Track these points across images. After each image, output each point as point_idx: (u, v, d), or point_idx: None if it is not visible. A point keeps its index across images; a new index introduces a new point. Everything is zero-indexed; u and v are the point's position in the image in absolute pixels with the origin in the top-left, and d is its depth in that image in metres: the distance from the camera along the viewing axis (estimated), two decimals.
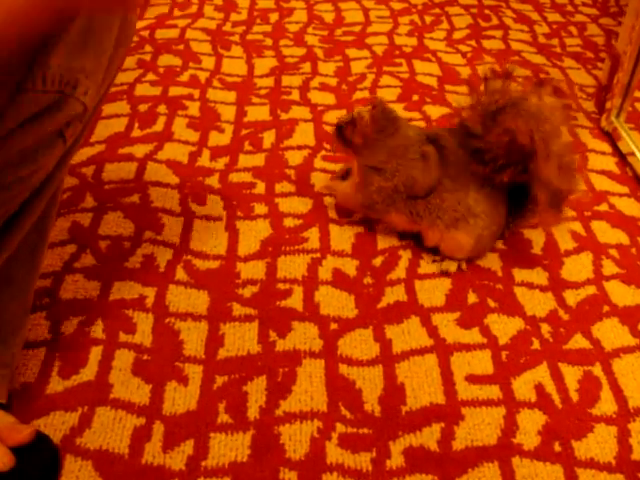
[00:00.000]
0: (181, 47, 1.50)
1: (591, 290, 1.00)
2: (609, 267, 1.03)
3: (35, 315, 0.90)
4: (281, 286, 0.96)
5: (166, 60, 1.45)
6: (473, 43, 1.58)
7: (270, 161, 1.17)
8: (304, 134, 1.24)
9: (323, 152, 1.20)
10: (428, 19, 1.68)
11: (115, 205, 1.08)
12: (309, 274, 0.98)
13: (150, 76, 1.39)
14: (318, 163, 1.17)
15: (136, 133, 1.23)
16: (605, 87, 1.38)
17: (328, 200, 1.10)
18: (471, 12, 1.75)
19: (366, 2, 1.75)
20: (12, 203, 0.68)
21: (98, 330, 0.89)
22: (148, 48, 1.49)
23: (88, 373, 0.84)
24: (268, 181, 1.13)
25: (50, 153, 0.68)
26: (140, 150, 1.19)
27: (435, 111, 1.32)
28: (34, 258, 0.78)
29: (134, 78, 1.38)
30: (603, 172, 1.22)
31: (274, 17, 1.65)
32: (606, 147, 1.29)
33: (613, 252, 1.06)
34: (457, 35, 1.62)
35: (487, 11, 1.77)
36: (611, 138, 1.31)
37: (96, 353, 0.87)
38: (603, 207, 1.15)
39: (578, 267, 1.04)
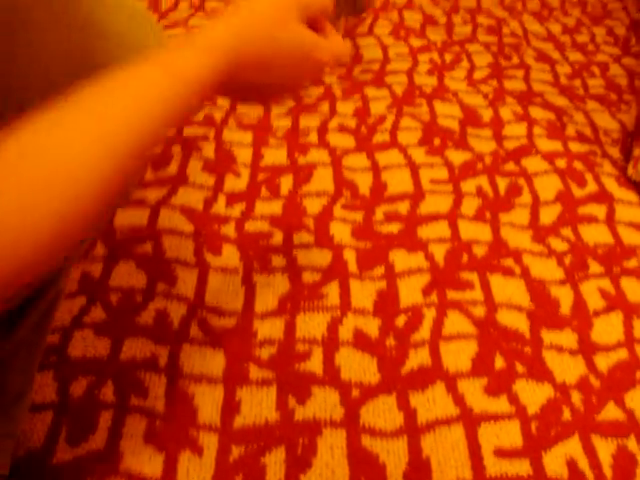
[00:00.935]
0: None
1: (623, 354, 0.96)
2: None
3: (42, 374, 0.86)
4: (300, 347, 0.92)
5: None
6: (494, 83, 1.54)
7: (288, 209, 1.13)
8: (323, 180, 1.20)
9: (343, 200, 1.15)
10: (448, 57, 1.65)
11: (127, 254, 1.04)
12: (329, 334, 0.94)
13: None
14: (338, 212, 1.13)
15: (149, 176, 1.19)
16: (631, 133, 1.34)
17: (348, 253, 1.06)
18: (491, 50, 1.71)
19: (385, 38, 1.71)
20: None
21: (108, 392, 0.85)
22: None
23: (97, 440, 0.80)
24: (286, 231, 1.09)
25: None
26: (153, 194, 1.15)
27: (457, 157, 1.28)
28: (39, 337, 0.74)
29: None
30: (631, 224, 1.18)
31: None
32: (633, 197, 1.25)
33: None
34: (478, 74, 1.58)
35: (507, 49, 1.73)
36: (639, 187, 1.27)
37: (106, 418, 0.82)
38: (633, 263, 1.11)
39: (608, 328, 0.99)
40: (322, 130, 1.33)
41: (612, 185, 1.27)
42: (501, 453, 0.82)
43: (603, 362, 0.94)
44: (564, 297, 1.03)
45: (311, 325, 0.95)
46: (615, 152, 1.36)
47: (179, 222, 1.10)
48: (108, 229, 1.09)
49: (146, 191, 1.17)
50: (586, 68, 1.69)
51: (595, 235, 1.15)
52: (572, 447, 0.84)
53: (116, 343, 0.92)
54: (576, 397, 0.89)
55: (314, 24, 0.63)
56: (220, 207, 1.14)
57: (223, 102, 1.41)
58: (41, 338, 0.76)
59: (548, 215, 1.17)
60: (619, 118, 1.48)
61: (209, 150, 1.26)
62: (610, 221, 1.18)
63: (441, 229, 1.12)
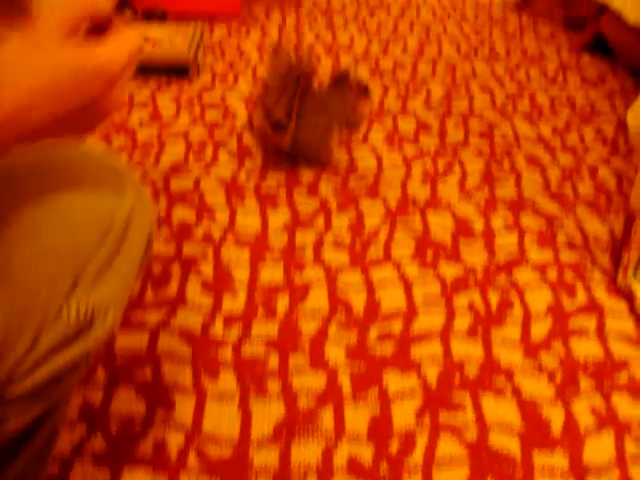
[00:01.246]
0: (195, 199, 1.51)
1: (614, 475, 0.97)
2: (632, 447, 1.00)
3: None
4: (295, 475, 0.94)
5: (180, 214, 1.46)
6: (486, 191, 1.59)
7: (284, 330, 1.16)
8: (318, 298, 1.23)
9: (337, 319, 1.19)
10: (441, 165, 1.70)
11: (127, 379, 1.07)
12: (323, 461, 0.96)
13: (164, 231, 1.40)
14: (332, 332, 1.16)
15: (149, 297, 1.23)
16: (620, 241, 1.38)
17: (342, 376, 1.08)
18: (483, 155, 1.76)
19: (379, 147, 1.77)
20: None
21: None
22: (162, 200, 1.50)
23: None
24: (282, 353, 1.12)
25: (72, 377, 0.68)
26: (153, 317, 1.18)
27: (449, 270, 1.32)
28: (39, 468, 0.77)
29: None
30: (621, 336, 1.21)
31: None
32: (623, 307, 1.28)
33: (636, 430, 1.03)
34: (470, 183, 1.62)
35: (499, 154, 1.78)
36: (629, 297, 1.30)
37: None
38: (623, 377, 1.13)
39: (600, 448, 1.01)
40: (317, 246, 1.37)
41: (602, 295, 1.30)
42: None
43: None
44: (555, 417, 1.05)
45: (306, 453, 0.97)
46: (605, 259, 1.40)
47: (178, 346, 1.13)
48: (109, 353, 1.12)
49: (146, 313, 1.20)
50: (576, 171, 1.74)
51: (586, 349, 1.18)
52: None
53: (115, 473, 0.94)
54: None
55: (99, 28, 0.58)
56: (218, 330, 1.17)
57: (222, 218, 1.45)
58: (41, 469, 0.78)
59: (539, 329, 1.20)
60: (609, 223, 1.52)
61: (208, 269, 1.30)
62: (600, 333, 1.21)
63: (434, 348, 1.15)
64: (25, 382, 0.63)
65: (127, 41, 0.57)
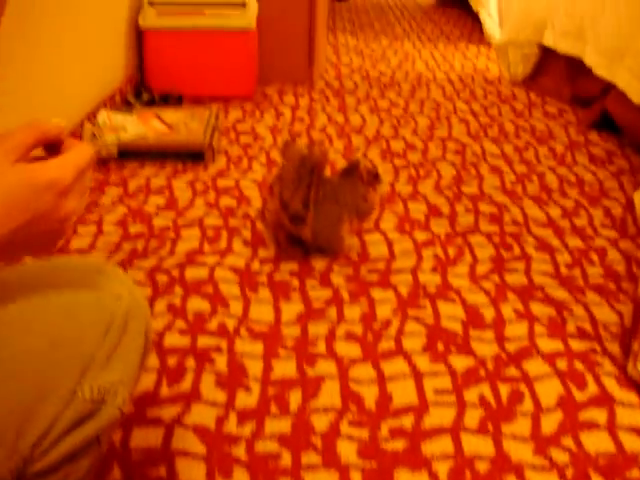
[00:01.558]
0: (210, 289, 1.54)
1: None
2: None
3: None
4: None
5: (195, 304, 1.49)
6: (496, 278, 1.61)
7: (296, 427, 1.18)
8: (330, 394, 1.25)
9: (349, 415, 1.20)
10: (451, 251, 1.73)
11: (142, 478, 1.08)
12: None
13: (179, 323, 1.43)
14: (344, 428, 1.18)
15: (164, 391, 1.25)
16: (629, 330, 1.39)
17: (354, 474, 1.09)
18: (493, 240, 1.79)
19: (390, 233, 1.80)
20: None
21: None
22: (178, 290, 1.54)
23: None
24: (294, 451, 1.13)
25: (87, 456, 0.73)
26: (168, 412, 1.21)
27: (460, 362, 1.34)
28: None
29: (164, 326, 1.42)
30: (632, 429, 1.21)
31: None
32: (634, 398, 1.28)
33: None
34: (480, 269, 1.65)
35: (509, 239, 1.81)
36: (638, 387, 1.31)
37: None
38: (635, 473, 1.14)
39: None
40: (330, 338, 1.40)
41: (613, 386, 1.31)
42: None
43: None
44: None
45: None
46: (615, 348, 1.41)
47: (192, 443, 1.15)
48: (124, 450, 1.14)
49: (161, 409, 1.22)
50: (585, 255, 1.76)
51: (596, 443, 1.18)
52: None
53: None
54: None
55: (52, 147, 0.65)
56: (231, 426, 1.19)
57: (236, 309, 1.48)
58: None
59: (549, 423, 1.21)
60: (618, 309, 1.54)
61: (222, 363, 1.33)
62: (611, 426, 1.22)
63: (445, 444, 1.16)
64: (43, 461, 0.68)
65: (76, 155, 0.64)
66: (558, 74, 3.06)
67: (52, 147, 0.67)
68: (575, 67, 2.84)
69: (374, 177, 1.68)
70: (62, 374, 0.70)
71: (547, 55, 3.10)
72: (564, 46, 2.85)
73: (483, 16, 3.97)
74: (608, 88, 2.55)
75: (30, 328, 0.70)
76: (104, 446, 0.77)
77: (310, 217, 1.59)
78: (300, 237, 1.64)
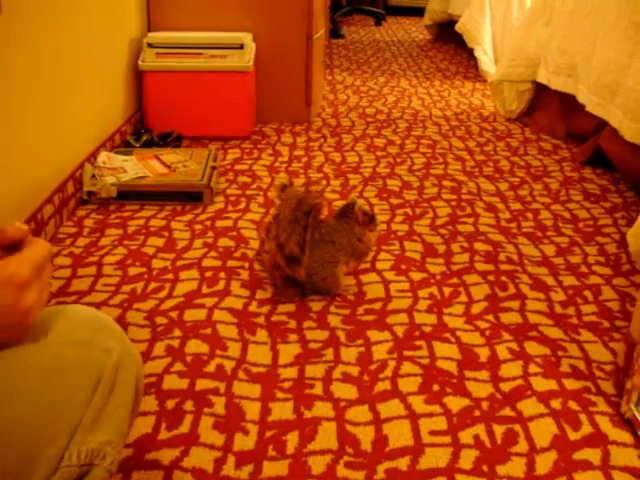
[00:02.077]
0: (208, 331, 1.56)
1: None
2: None
3: None
4: None
5: (194, 347, 1.51)
6: (491, 318, 1.64)
7: (293, 469, 1.19)
8: (327, 436, 1.27)
9: (346, 457, 1.22)
10: (447, 291, 1.75)
11: None
12: None
13: (178, 366, 1.45)
14: (341, 471, 1.19)
15: (163, 435, 1.27)
16: (622, 369, 1.41)
17: None
18: (488, 279, 1.82)
19: (387, 274, 1.82)
20: None
21: None
22: (177, 332, 1.55)
23: None
24: None
25: None
26: (167, 456, 1.22)
27: (455, 403, 1.35)
28: None
29: (162, 368, 1.44)
30: (626, 469, 1.22)
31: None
32: (627, 437, 1.30)
33: None
34: (475, 309, 1.67)
35: (504, 277, 1.83)
36: (632, 426, 1.32)
37: None
38: None
39: None
40: (326, 380, 1.42)
41: (606, 425, 1.32)
42: None
43: None
44: None
45: None
46: (609, 387, 1.43)
47: None
48: None
49: (160, 452, 1.24)
50: (579, 293, 1.78)
51: None
52: None
53: None
54: None
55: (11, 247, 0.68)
56: (229, 469, 1.20)
57: (234, 351, 1.50)
58: None
59: (543, 464, 1.22)
60: (612, 348, 1.55)
61: (220, 406, 1.35)
62: (605, 466, 1.23)
63: None
64: None
65: (33, 251, 0.68)
66: (552, 111, 3.11)
67: (12, 247, 0.70)
68: (569, 104, 2.88)
69: (370, 219, 1.70)
70: (48, 441, 0.70)
71: (541, 92, 3.15)
72: (557, 83, 2.90)
73: (478, 53, 4.04)
74: (602, 125, 2.58)
75: (13, 396, 0.69)
76: None
77: (305, 259, 1.62)
78: (296, 278, 1.66)
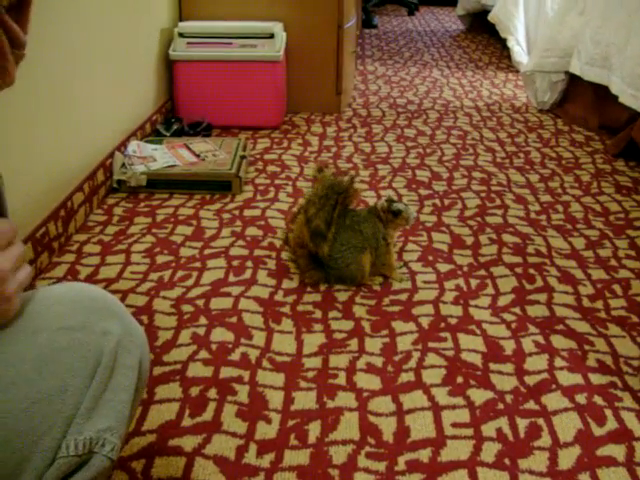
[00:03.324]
0: (234, 320, 1.57)
1: None
2: None
3: None
4: None
5: (219, 334, 1.51)
6: (518, 311, 1.62)
7: (314, 459, 1.20)
8: (349, 426, 1.27)
9: (367, 448, 1.22)
10: (473, 283, 1.74)
11: None
12: None
13: (203, 353, 1.45)
14: (362, 461, 1.19)
15: (186, 422, 1.28)
16: None
17: None
18: (516, 272, 1.80)
19: (413, 265, 1.82)
20: None
21: None
22: (202, 320, 1.56)
23: None
24: None
25: None
26: (189, 442, 1.23)
27: (479, 396, 1.35)
28: None
29: (187, 356, 1.45)
30: None
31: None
32: None
33: None
34: (502, 301, 1.66)
35: (532, 270, 1.82)
36: None
37: None
38: None
39: None
40: (350, 370, 1.42)
41: (632, 421, 1.31)
42: None
43: None
44: None
45: None
46: (636, 383, 1.41)
47: (212, 474, 1.18)
48: (146, 478, 1.17)
49: (182, 439, 1.25)
50: (608, 287, 1.77)
51: (614, 479, 1.18)
52: None
53: None
54: None
55: None
56: (251, 457, 1.21)
57: (259, 340, 1.51)
58: None
59: (566, 459, 1.22)
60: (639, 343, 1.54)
61: (243, 393, 1.35)
62: (629, 463, 1.22)
63: (461, 478, 1.17)
64: None
65: (11, 251, 0.69)
66: (585, 102, 3.07)
67: None
68: (602, 95, 2.85)
69: (393, 215, 1.70)
70: (43, 432, 0.69)
71: (575, 83, 3.11)
72: (590, 74, 2.86)
73: (511, 43, 3.99)
74: (635, 116, 2.55)
75: (7, 388, 0.69)
76: None
77: (330, 235, 1.63)
78: (319, 257, 1.66)
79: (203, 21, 2.90)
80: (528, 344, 1.52)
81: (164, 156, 2.32)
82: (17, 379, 0.70)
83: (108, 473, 0.77)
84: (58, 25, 1.86)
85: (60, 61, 1.89)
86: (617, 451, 1.24)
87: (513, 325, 1.58)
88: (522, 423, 1.30)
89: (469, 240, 1.99)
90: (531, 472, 1.19)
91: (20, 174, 1.69)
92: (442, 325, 1.58)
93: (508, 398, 1.36)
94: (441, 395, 1.36)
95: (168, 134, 2.64)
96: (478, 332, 1.56)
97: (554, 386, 1.40)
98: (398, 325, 1.57)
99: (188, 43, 2.78)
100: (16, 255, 0.70)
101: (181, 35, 2.78)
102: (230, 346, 1.50)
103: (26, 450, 0.68)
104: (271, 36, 2.76)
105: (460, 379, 1.41)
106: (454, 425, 1.29)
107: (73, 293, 0.80)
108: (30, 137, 1.74)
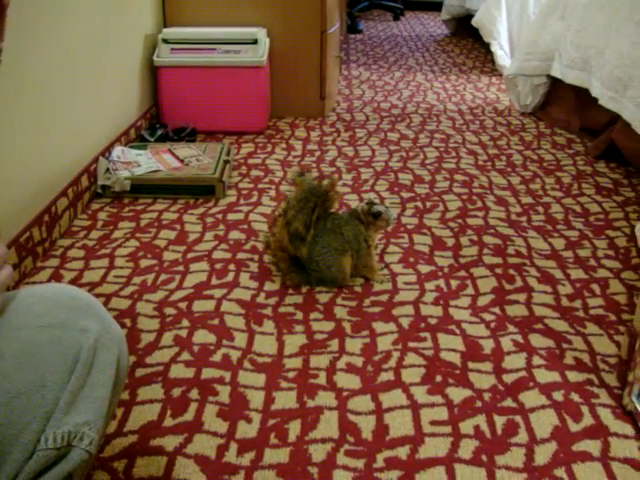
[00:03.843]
0: (216, 322, 1.58)
1: None
2: None
3: None
4: None
5: (201, 336, 1.53)
6: (497, 310, 1.64)
7: (294, 457, 1.21)
8: (328, 424, 1.28)
9: (346, 446, 1.23)
10: (454, 283, 1.76)
11: None
12: None
13: (185, 355, 1.47)
14: (341, 459, 1.21)
15: (168, 422, 1.29)
16: (625, 361, 1.41)
17: None
18: (496, 272, 1.82)
19: (394, 266, 1.84)
20: None
21: None
22: (185, 322, 1.58)
23: None
24: None
25: None
26: (171, 442, 1.24)
27: (457, 394, 1.36)
28: None
29: (170, 358, 1.46)
30: (626, 460, 1.23)
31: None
32: (629, 429, 1.30)
33: None
34: (481, 301, 1.68)
35: (511, 270, 1.84)
36: (633, 418, 1.33)
37: None
38: None
39: None
40: (330, 370, 1.43)
41: (607, 417, 1.33)
42: None
43: None
44: None
45: None
46: (612, 380, 1.43)
47: (193, 472, 1.19)
48: (127, 478, 1.18)
49: (164, 439, 1.26)
50: (586, 287, 1.79)
51: (589, 474, 1.21)
52: None
53: None
54: None
55: None
56: (231, 456, 1.22)
57: (241, 341, 1.52)
58: None
59: (543, 455, 1.23)
60: (617, 341, 1.56)
61: (224, 394, 1.37)
62: (604, 458, 1.24)
63: (438, 475, 1.19)
64: None
65: None
66: (567, 105, 3.10)
67: None
68: (583, 98, 2.88)
69: (373, 217, 1.72)
70: (22, 426, 0.71)
71: (556, 86, 3.14)
72: (571, 77, 2.90)
73: (494, 47, 4.03)
74: (615, 119, 2.58)
75: None
76: None
77: (309, 238, 1.65)
78: (299, 260, 1.68)
79: (187, 27, 2.92)
80: (507, 343, 1.54)
81: (148, 161, 2.34)
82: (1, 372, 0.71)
83: (87, 467, 0.79)
84: (41, 31, 1.88)
85: (43, 67, 1.90)
86: (593, 446, 1.26)
87: (492, 325, 1.60)
88: (500, 420, 1.31)
89: (450, 242, 2.01)
90: (508, 468, 1.20)
91: (4, 179, 1.70)
92: (422, 325, 1.60)
93: (486, 396, 1.37)
94: (420, 394, 1.38)
95: (152, 140, 2.65)
96: (457, 332, 1.57)
97: (532, 384, 1.41)
98: (378, 326, 1.59)
99: (172, 49, 2.80)
100: None
101: (165, 41, 2.80)
102: (212, 347, 1.51)
103: (5, 443, 0.70)
104: (254, 42, 2.78)
105: (439, 378, 1.42)
106: (432, 423, 1.30)
107: (54, 293, 0.83)
108: (14, 142, 1.75)
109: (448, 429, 1.29)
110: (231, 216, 2.16)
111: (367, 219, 1.71)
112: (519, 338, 1.56)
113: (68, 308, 0.80)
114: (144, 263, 1.87)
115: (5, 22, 0.73)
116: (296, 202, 1.66)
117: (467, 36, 5.27)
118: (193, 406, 1.34)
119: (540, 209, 2.26)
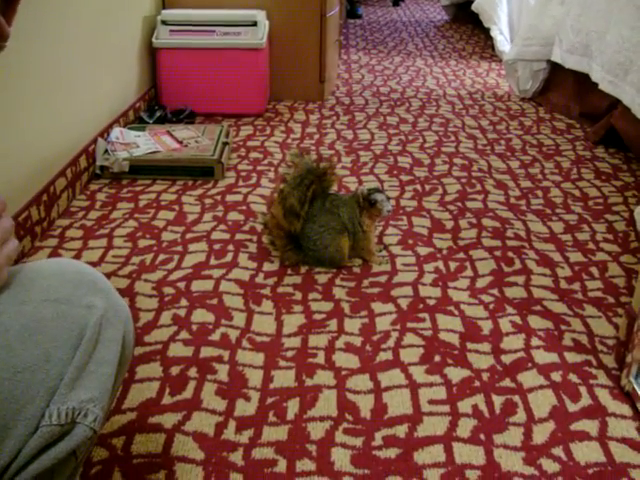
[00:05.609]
0: (215, 301, 1.58)
1: None
2: None
3: None
4: None
5: (200, 316, 1.53)
6: (496, 292, 1.64)
7: (292, 435, 1.21)
8: (327, 403, 1.28)
9: (345, 424, 1.24)
10: (452, 265, 1.76)
11: None
12: None
13: (184, 334, 1.47)
14: (339, 437, 1.21)
15: (167, 400, 1.29)
16: (623, 343, 1.42)
17: None
18: (494, 255, 1.82)
19: (393, 248, 1.84)
20: None
21: None
22: (183, 302, 1.58)
23: None
24: (289, 458, 1.17)
25: (62, 471, 0.75)
26: (169, 420, 1.25)
27: (455, 374, 1.37)
28: None
29: (168, 336, 1.46)
30: (624, 440, 1.23)
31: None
32: (626, 410, 1.31)
33: None
34: (480, 283, 1.68)
35: (510, 253, 1.84)
36: (631, 399, 1.33)
37: None
38: None
39: None
40: (329, 350, 1.43)
41: (606, 398, 1.33)
42: None
43: None
44: None
45: None
46: (610, 361, 1.43)
47: (191, 449, 1.19)
48: (125, 456, 1.18)
49: (163, 417, 1.26)
50: (585, 269, 1.79)
51: (587, 453, 1.21)
52: None
53: None
54: None
55: None
56: (230, 433, 1.22)
57: (240, 321, 1.52)
58: None
59: (541, 434, 1.24)
60: (615, 323, 1.56)
61: (223, 373, 1.37)
62: (602, 437, 1.24)
63: (436, 453, 1.19)
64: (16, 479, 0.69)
65: (4, 223, 0.72)
66: (567, 90, 3.09)
67: None
68: (583, 83, 2.87)
69: (369, 203, 1.72)
70: (26, 401, 0.70)
71: (556, 71, 3.13)
72: (571, 62, 2.89)
73: (494, 33, 4.02)
74: (615, 104, 2.57)
75: None
76: (83, 458, 0.79)
77: (303, 214, 1.65)
78: (295, 235, 1.73)
79: (186, 9, 2.91)
80: (505, 324, 1.54)
81: (147, 143, 2.33)
82: (1, 349, 0.70)
83: (91, 444, 0.79)
84: (42, 12, 1.87)
85: (43, 48, 1.89)
86: (590, 426, 1.26)
87: (491, 306, 1.60)
88: (498, 400, 1.31)
89: (449, 224, 2.01)
90: (505, 447, 1.21)
91: (3, 159, 1.69)
92: (421, 306, 1.60)
93: (484, 376, 1.38)
94: (418, 373, 1.38)
95: (151, 121, 2.64)
96: (456, 313, 1.57)
97: (530, 364, 1.42)
98: (377, 306, 1.59)
99: (171, 31, 2.79)
100: (3, 228, 0.71)
101: (164, 23, 2.79)
102: (210, 327, 1.51)
103: (9, 418, 0.69)
104: (254, 24, 2.77)
105: (437, 358, 1.42)
106: (431, 402, 1.31)
107: (60, 267, 0.81)
108: (13, 123, 1.74)
109: (446, 408, 1.29)
110: (230, 197, 2.15)
111: (364, 204, 1.71)
112: (518, 319, 1.56)
113: (74, 283, 0.78)
114: (142, 243, 1.86)
115: (17, 8, 0.72)
116: (292, 179, 1.66)
117: (467, 22, 5.25)
118: (192, 384, 1.34)
119: (539, 193, 2.25)
